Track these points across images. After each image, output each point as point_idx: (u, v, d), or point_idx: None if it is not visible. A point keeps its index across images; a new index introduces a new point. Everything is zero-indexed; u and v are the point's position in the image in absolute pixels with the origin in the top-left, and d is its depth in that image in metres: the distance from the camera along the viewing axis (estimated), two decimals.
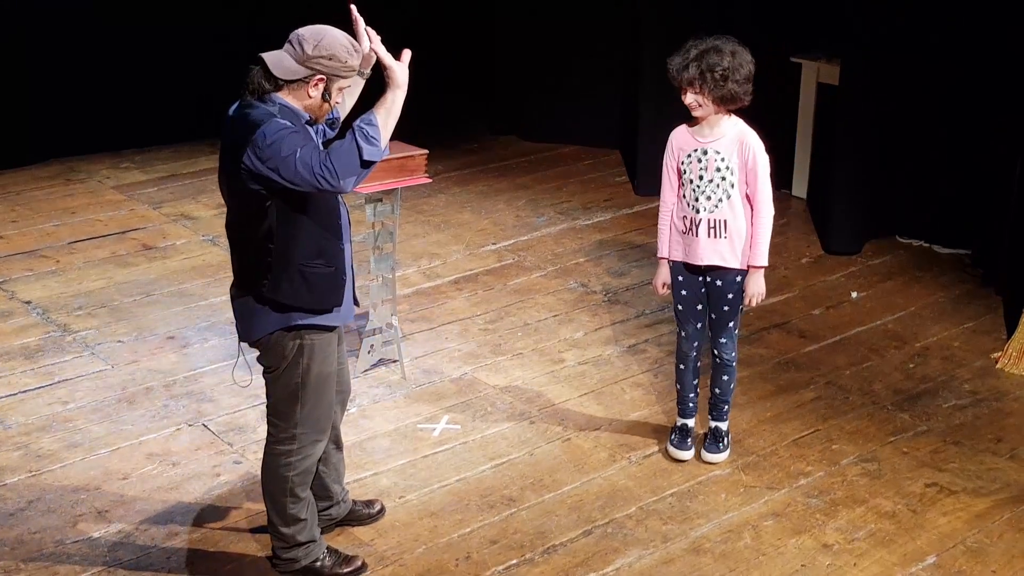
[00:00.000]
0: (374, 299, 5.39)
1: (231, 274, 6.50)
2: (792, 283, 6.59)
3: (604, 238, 7.21)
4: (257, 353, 3.89)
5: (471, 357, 5.71)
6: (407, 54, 3.67)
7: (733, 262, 4.58)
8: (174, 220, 7.35)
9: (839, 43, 7.04)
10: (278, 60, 3.64)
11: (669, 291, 4.74)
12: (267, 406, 3.95)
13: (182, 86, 8.53)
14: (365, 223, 5.35)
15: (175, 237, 7.10)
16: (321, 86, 3.66)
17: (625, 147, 8.52)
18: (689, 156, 4.55)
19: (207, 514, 4.47)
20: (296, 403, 3.86)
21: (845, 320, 6.16)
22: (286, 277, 3.70)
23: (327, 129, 4.00)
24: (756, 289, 4.59)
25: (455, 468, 4.80)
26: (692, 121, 4.56)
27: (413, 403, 5.28)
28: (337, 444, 4.27)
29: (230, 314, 6.04)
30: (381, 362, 5.55)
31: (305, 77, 3.63)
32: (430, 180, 5.42)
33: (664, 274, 4.73)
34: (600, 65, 8.54)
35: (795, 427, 5.14)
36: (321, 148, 3.57)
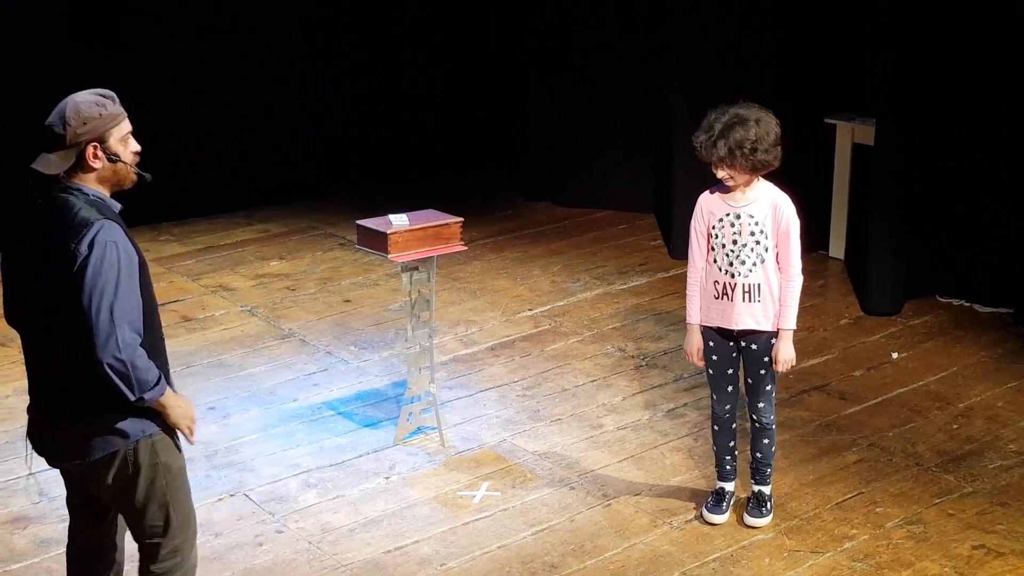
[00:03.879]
0: (412, 367, 5.41)
1: (270, 344, 6.62)
2: (831, 345, 6.55)
3: (640, 302, 7.21)
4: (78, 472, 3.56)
5: (510, 423, 5.70)
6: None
7: (767, 325, 4.57)
8: (212, 291, 7.43)
9: (873, 103, 7.06)
10: (45, 161, 3.39)
11: (704, 360, 4.72)
12: (134, 536, 3.63)
13: (219, 159, 8.67)
14: (402, 291, 5.39)
15: (214, 308, 7.17)
16: (100, 152, 3.41)
17: (659, 211, 8.54)
18: (721, 220, 4.55)
19: None
20: (168, 509, 3.58)
21: (886, 381, 6.10)
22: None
23: None
24: (786, 355, 4.58)
25: (496, 535, 4.78)
26: (722, 185, 4.57)
27: (452, 470, 5.27)
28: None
29: (270, 383, 6.16)
30: (420, 430, 5.55)
31: (78, 157, 3.39)
32: (465, 247, 5.46)
33: (697, 340, 4.71)
34: (633, 129, 8.59)
35: (838, 490, 5.08)
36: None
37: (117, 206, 3.51)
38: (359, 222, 5.30)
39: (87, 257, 3.31)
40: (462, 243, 5.36)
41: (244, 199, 8.88)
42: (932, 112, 6.73)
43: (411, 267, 5.26)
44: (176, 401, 3.54)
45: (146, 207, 8.52)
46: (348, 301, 7.25)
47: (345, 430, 5.63)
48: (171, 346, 6.49)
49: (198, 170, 8.62)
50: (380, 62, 9.18)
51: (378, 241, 5.16)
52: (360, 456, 5.39)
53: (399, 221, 5.19)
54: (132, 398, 3.38)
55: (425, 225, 5.21)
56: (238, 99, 8.70)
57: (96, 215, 3.36)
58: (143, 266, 3.48)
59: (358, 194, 8.88)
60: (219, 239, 8.38)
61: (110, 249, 3.33)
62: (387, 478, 5.21)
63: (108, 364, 3.32)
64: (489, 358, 6.45)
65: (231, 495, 5.08)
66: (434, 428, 5.52)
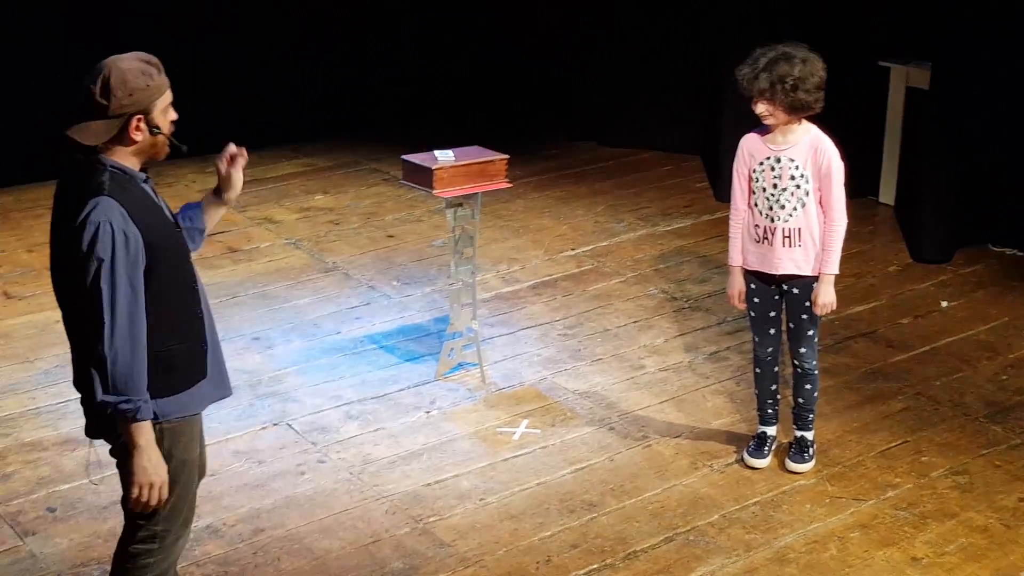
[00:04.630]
0: (454, 303, 5.41)
1: (314, 277, 6.64)
2: (879, 292, 6.46)
3: (684, 244, 7.15)
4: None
5: (550, 362, 5.69)
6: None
7: (808, 270, 4.52)
8: (258, 224, 7.45)
9: (929, 46, 6.91)
10: (84, 129, 3.17)
11: (745, 303, 4.68)
12: (122, 501, 3.44)
13: (265, 93, 8.65)
14: (446, 228, 5.36)
15: (259, 240, 7.19)
16: (143, 125, 3.21)
17: (705, 152, 8.44)
18: (761, 164, 4.49)
19: (292, 511, 4.52)
20: None
21: (935, 330, 6.02)
22: None
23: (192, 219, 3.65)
24: (826, 299, 4.52)
25: (535, 472, 4.79)
26: (764, 127, 4.50)
27: (492, 407, 5.28)
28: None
29: (313, 315, 6.18)
30: (461, 366, 5.55)
31: (121, 128, 3.18)
32: (510, 185, 5.42)
33: (739, 282, 4.66)
34: (680, 69, 8.47)
35: (883, 438, 5.04)
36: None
37: (141, 176, 3.28)
38: (405, 157, 5.27)
39: (79, 238, 3.10)
40: (507, 180, 5.32)
41: (290, 133, 8.87)
42: (989, 56, 6.57)
43: (455, 203, 5.23)
44: (153, 452, 3.21)
45: (193, 141, 8.62)
46: (391, 236, 7.25)
47: (387, 364, 5.65)
48: (216, 276, 6.62)
49: (245, 104, 8.60)
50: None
51: (423, 176, 5.12)
52: (401, 390, 5.41)
53: (444, 157, 5.15)
54: (98, 397, 3.11)
55: (470, 162, 5.17)
56: (286, 32, 8.66)
57: (95, 192, 3.13)
58: (168, 236, 3.29)
59: (403, 130, 8.84)
60: (265, 172, 8.38)
61: (103, 229, 3.09)
62: (428, 412, 5.23)
63: (94, 350, 3.11)
64: (531, 296, 6.43)
65: (274, 424, 5.12)
66: (475, 364, 5.52)
